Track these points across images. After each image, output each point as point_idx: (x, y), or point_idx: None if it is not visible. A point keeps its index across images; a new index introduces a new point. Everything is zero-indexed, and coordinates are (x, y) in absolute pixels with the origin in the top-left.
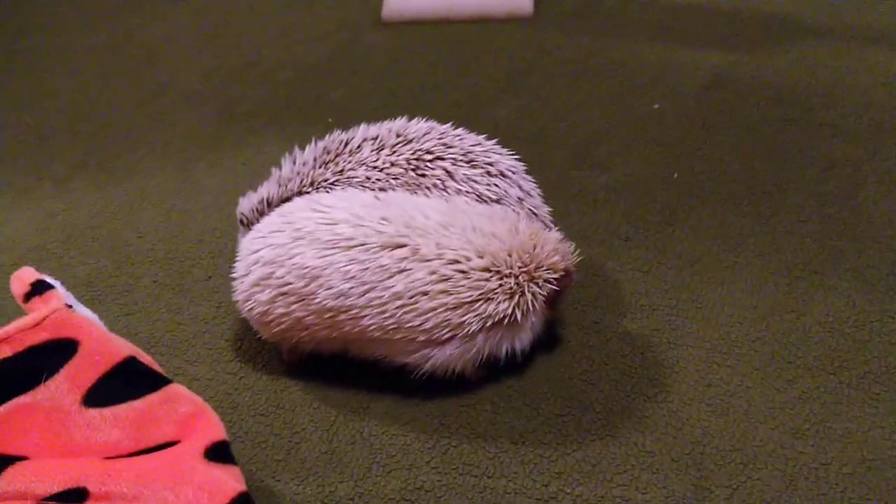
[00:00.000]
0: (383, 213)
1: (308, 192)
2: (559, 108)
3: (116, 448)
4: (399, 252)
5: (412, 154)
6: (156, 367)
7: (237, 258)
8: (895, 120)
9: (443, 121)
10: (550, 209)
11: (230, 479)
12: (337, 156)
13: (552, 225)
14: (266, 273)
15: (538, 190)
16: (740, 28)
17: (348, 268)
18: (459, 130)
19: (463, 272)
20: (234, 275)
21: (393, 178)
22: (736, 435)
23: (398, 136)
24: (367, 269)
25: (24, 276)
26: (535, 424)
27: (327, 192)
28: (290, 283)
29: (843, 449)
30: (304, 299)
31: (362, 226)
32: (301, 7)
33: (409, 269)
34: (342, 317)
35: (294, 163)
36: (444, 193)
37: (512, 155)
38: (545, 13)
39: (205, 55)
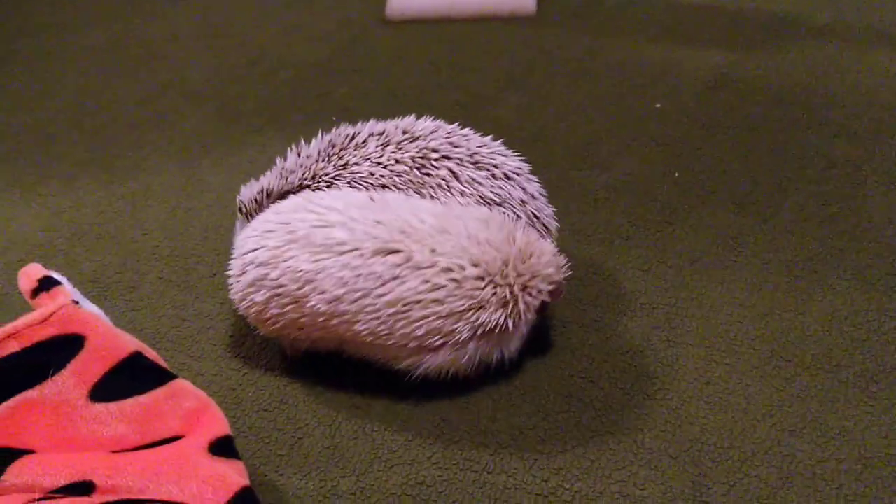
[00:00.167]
0: (378, 216)
1: (309, 185)
2: (561, 107)
3: (122, 442)
4: (392, 258)
5: (418, 152)
6: (161, 362)
7: (233, 254)
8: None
9: (445, 119)
10: (555, 209)
11: (234, 474)
12: (341, 149)
13: (555, 226)
14: (261, 274)
15: (543, 191)
16: (742, 28)
17: (341, 274)
18: (466, 130)
19: (456, 281)
20: (229, 272)
21: (397, 176)
22: (734, 432)
23: (405, 132)
24: (360, 275)
25: (32, 273)
26: (535, 421)
27: (328, 185)
28: (285, 286)
29: (840, 446)
30: (297, 302)
31: (356, 230)
32: (304, 6)
33: (403, 277)
34: (335, 321)
35: (298, 155)
36: (448, 194)
37: (518, 156)
38: (547, 12)
39: (208, 54)
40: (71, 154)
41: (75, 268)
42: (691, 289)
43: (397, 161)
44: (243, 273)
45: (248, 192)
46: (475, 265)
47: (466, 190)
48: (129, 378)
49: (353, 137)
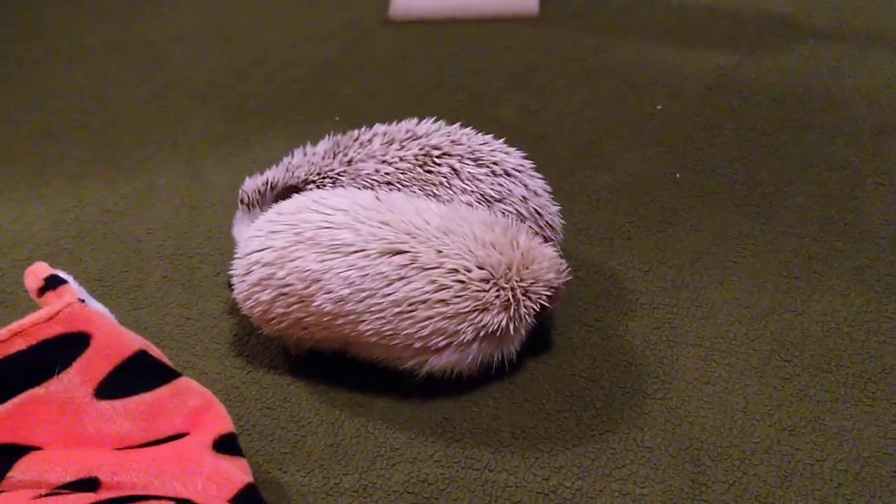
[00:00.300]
0: (384, 217)
1: (314, 181)
2: (563, 107)
3: (127, 439)
4: (399, 259)
5: (420, 150)
6: (166, 360)
7: (236, 254)
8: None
9: (448, 119)
10: (559, 206)
11: (238, 471)
12: (346, 148)
13: (560, 224)
14: (267, 274)
15: (547, 188)
16: (744, 29)
17: (348, 273)
18: (467, 129)
19: (462, 282)
20: (233, 272)
21: (401, 173)
22: (733, 431)
23: (407, 131)
24: (366, 275)
25: (38, 271)
26: (537, 420)
27: (333, 182)
28: (291, 285)
29: (839, 446)
30: (303, 301)
31: (362, 231)
32: (308, 6)
33: (409, 277)
34: (340, 321)
35: (305, 154)
36: (449, 191)
37: (520, 153)
38: (550, 13)
39: (213, 54)
40: (76, 153)
41: (80, 266)
42: (691, 289)
43: (401, 159)
44: (248, 273)
45: (252, 183)
46: (480, 267)
47: (467, 187)
48: (134, 376)
49: (357, 138)
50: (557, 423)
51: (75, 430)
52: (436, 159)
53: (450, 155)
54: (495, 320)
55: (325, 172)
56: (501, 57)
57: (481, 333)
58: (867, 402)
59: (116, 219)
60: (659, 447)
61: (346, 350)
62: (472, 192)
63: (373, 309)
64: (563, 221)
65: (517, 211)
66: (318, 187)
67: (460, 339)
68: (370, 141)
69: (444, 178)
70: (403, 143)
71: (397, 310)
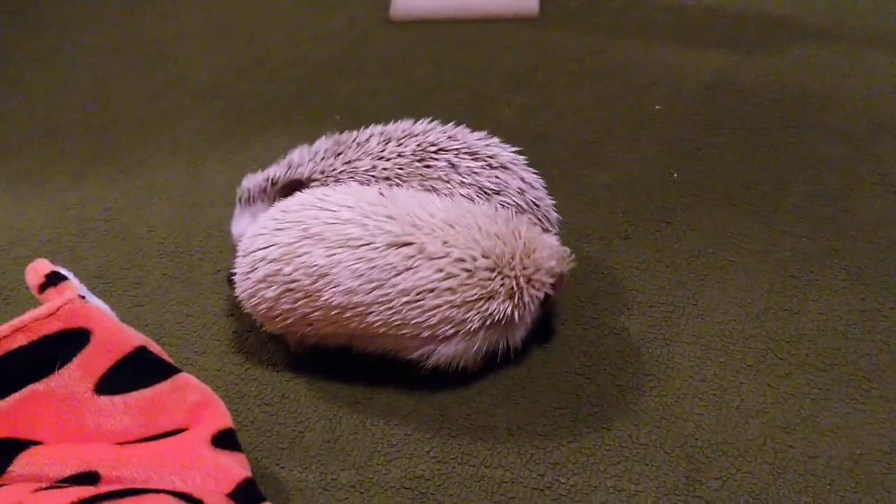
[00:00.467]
0: (389, 211)
1: (317, 180)
2: (562, 107)
3: (126, 434)
4: (406, 250)
5: (418, 146)
6: (165, 356)
7: (238, 252)
8: (892, 121)
9: (449, 118)
10: (554, 200)
11: (236, 466)
12: (347, 147)
13: (556, 217)
14: (273, 270)
15: (541, 181)
16: (743, 30)
17: (356, 266)
18: (461, 127)
19: (468, 271)
20: (235, 271)
21: (399, 168)
22: (728, 429)
23: (404, 130)
24: (374, 266)
25: (39, 268)
26: (532, 417)
27: (335, 181)
28: (297, 281)
29: (832, 443)
30: (310, 296)
31: (369, 225)
32: (310, 5)
33: (416, 267)
34: (348, 313)
35: (302, 152)
36: (449, 186)
37: (513, 149)
38: (550, 13)
39: (215, 52)
40: (78, 151)
41: (81, 263)
42: (688, 287)
43: (399, 155)
44: (253, 270)
45: (253, 179)
46: (486, 257)
47: (466, 180)
48: (134, 372)
49: (355, 138)
50: (553, 420)
51: (75, 425)
52: (433, 154)
53: (447, 150)
54: (501, 308)
55: (328, 171)
56: (501, 57)
57: (487, 322)
58: (861, 401)
59: (117, 216)
60: (654, 444)
61: (350, 345)
62: (471, 185)
63: (381, 299)
64: (558, 215)
65: (516, 203)
66: (321, 185)
67: (467, 327)
68: (367, 140)
69: (443, 172)
70: (401, 141)
71: (405, 299)
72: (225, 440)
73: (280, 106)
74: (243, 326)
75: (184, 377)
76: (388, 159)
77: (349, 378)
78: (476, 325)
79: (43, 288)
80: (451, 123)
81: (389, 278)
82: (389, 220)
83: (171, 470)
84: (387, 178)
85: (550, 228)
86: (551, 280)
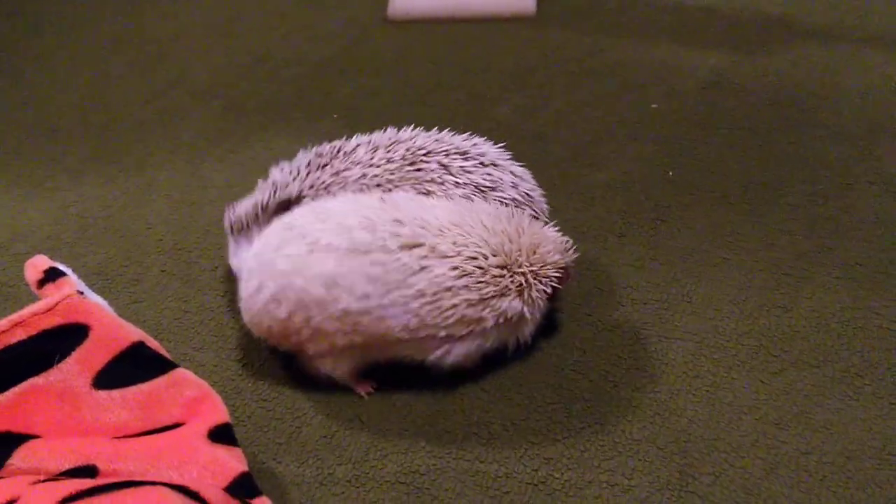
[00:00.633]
0: (394, 215)
1: (306, 196)
2: (560, 106)
3: (124, 428)
4: (419, 251)
5: (407, 151)
6: (163, 352)
7: (242, 276)
8: (888, 121)
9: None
10: (544, 193)
11: (233, 460)
12: (332, 158)
13: (545, 207)
14: (282, 286)
15: (529, 174)
16: (740, 29)
17: (370, 270)
18: (445, 132)
19: (482, 269)
20: (241, 295)
21: (390, 174)
22: (721, 424)
23: (390, 138)
24: (389, 269)
25: (38, 264)
26: (527, 412)
27: (326, 193)
28: (310, 293)
29: (825, 439)
30: (325, 306)
31: (377, 230)
32: (309, 5)
33: (430, 267)
34: (365, 319)
35: (283, 170)
36: (444, 187)
37: (499, 146)
38: (548, 13)
39: (214, 52)
40: (78, 149)
41: (81, 261)
42: (682, 285)
43: (388, 160)
44: (260, 290)
45: (241, 207)
46: (495, 255)
47: (460, 180)
48: (132, 366)
49: (340, 148)
50: (548, 416)
51: (74, 419)
52: (423, 158)
53: (436, 152)
54: (512, 305)
55: (316, 185)
56: (500, 56)
57: (500, 320)
58: (853, 397)
59: (116, 214)
60: (647, 439)
61: (363, 359)
62: (466, 184)
63: (398, 302)
64: (547, 206)
65: (512, 198)
66: (311, 199)
67: (483, 325)
68: (354, 150)
69: (436, 174)
70: (389, 148)
71: (423, 300)
72: (222, 435)
73: (279, 105)
74: (241, 322)
75: (181, 372)
76: (377, 166)
77: None
78: (490, 322)
79: (42, 283)
80: (435, 129)
81: (405, 279)
82: (397, 223)
83: (169, 464)
84: (378, 185)
85: (546, 220)
86: (557, 273)
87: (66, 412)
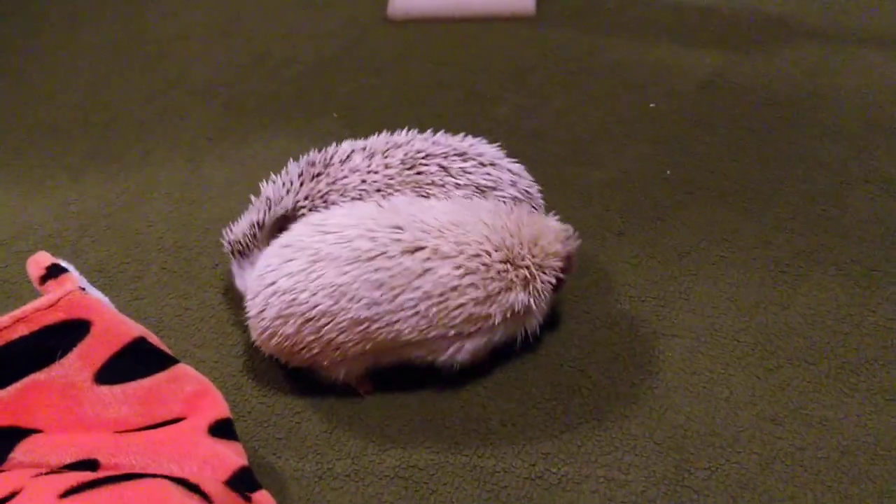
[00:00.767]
0: (394, 221)
1: (302, 207)
2: (559, 105)
3: (125, 423)
4: (421, 254)
5: (405, 155)
6: (164, 347)
7: (247, 296)
8: (886, 120)
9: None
10: (540, 188)
11: (233, 454)
12: (326, 166)
13: (541, 203)
14: (289, 301)
15: (525, 170)
16: (738, 29)
17: (375, 276)
18: (441, 133)
19: (486, 265)
20: (248, 314)
21: (389, 179)
22: (717, 420)
23: (386, 142)
24: (393, 274)
25: (40, 260)
26: (525, 408)
27: (323, 203)
28: (317, 305)
29: (820, 435)
30: (333, 318)
31: (378, 238)
32: (309, 5)
33: (434, 268)
34: (374, 326)
35: (274, 184)
36: (444, 189)
37: (494, 145)
38: (547, 13)
39: (214, 51)
40: (79, 147)
41: (82, 258)
42: (679, 282)
43: (386, 166)
44: (265, 308)
45: (237, 229)
46: (497, 250)
47: (460, 181)
48: (133, 362)
49: (333, 155)
50: (545, 412)
51: (75, 414)
52: (422, 161)
53: (434, 155)
54: (519, 298)
55: (312, 195)
56: (499, 56)
57: (508, 314)
58: (848, 393)
59: (117, 212)
60: (644, 435)
61: (376, 365)
62: (467, 184)
63: (406, 305)
64: (543, 201)
65: (512, 195)
66: (308, 211)
67: (490, 321)
68: (349, 157)
69: (436, 176)
70: (386, 153)
71: (430, 301)
72: (222, 430)
73: (279, 104)
74: (241, 319)
75: (182, 368)
76: (376, 172)
77: None
78: (498, 318)
79: (44, 280)
80: (429, 131)
81: (410, 282)
82: (397, 229)
83: (169, 458)
84: (378, 191)
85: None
86: (560, 263)
87: (68, 407)
